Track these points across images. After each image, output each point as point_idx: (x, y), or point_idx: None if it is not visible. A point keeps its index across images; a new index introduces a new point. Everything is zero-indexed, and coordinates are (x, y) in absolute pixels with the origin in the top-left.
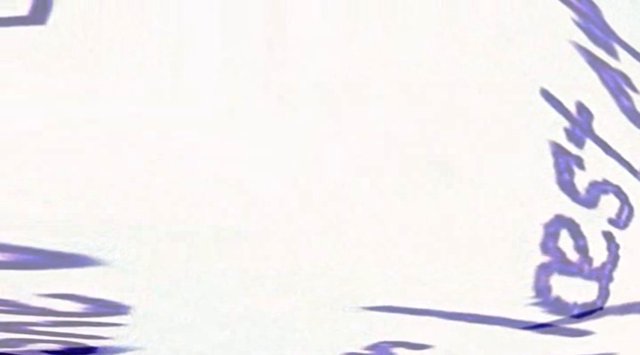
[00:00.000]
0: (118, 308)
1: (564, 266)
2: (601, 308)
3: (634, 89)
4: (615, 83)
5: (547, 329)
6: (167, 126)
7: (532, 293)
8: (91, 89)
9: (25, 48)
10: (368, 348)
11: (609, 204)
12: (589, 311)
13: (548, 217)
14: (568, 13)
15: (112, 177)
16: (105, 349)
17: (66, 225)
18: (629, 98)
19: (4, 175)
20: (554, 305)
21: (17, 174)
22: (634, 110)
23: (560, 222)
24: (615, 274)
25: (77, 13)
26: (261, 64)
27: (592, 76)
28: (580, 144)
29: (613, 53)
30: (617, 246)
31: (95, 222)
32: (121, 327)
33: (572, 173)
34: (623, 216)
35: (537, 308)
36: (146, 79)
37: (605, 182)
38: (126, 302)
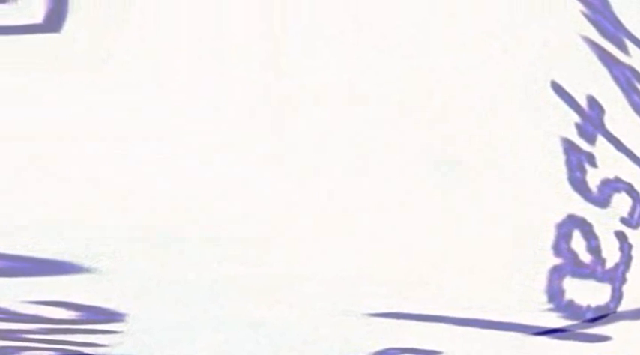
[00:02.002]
0: (112, 316)
1: (577, 269)
2: (614, 312)
3: None
4: (625, 78)
5: (561, 334)
6: (166, 129)
7: (544, 298)
8: (104, 97)
9: (39, 56)
10: None
11: (621, 203)
12: (602, 315)
13: (560, 217)
14: (577, 6)
15: (105, 182)
16: None
17: (55, 231)
18: (639, 94)
19: None
20: (568, 309)
21: (9, 180)
22: None
23: (573, 222)
24: (628, 275)
25: (92, 21)
26: (262, 66)
27: (602, 71)
28: (591, 140)
29: (623, 48)
30: (630, 246)
31: (86, 229)
32: (117, 334)
33: (583, 171)
34: (636, 215)
35: (550, 313)
36: (158, 86)
37: (617, 180)
38: (120, 309)
